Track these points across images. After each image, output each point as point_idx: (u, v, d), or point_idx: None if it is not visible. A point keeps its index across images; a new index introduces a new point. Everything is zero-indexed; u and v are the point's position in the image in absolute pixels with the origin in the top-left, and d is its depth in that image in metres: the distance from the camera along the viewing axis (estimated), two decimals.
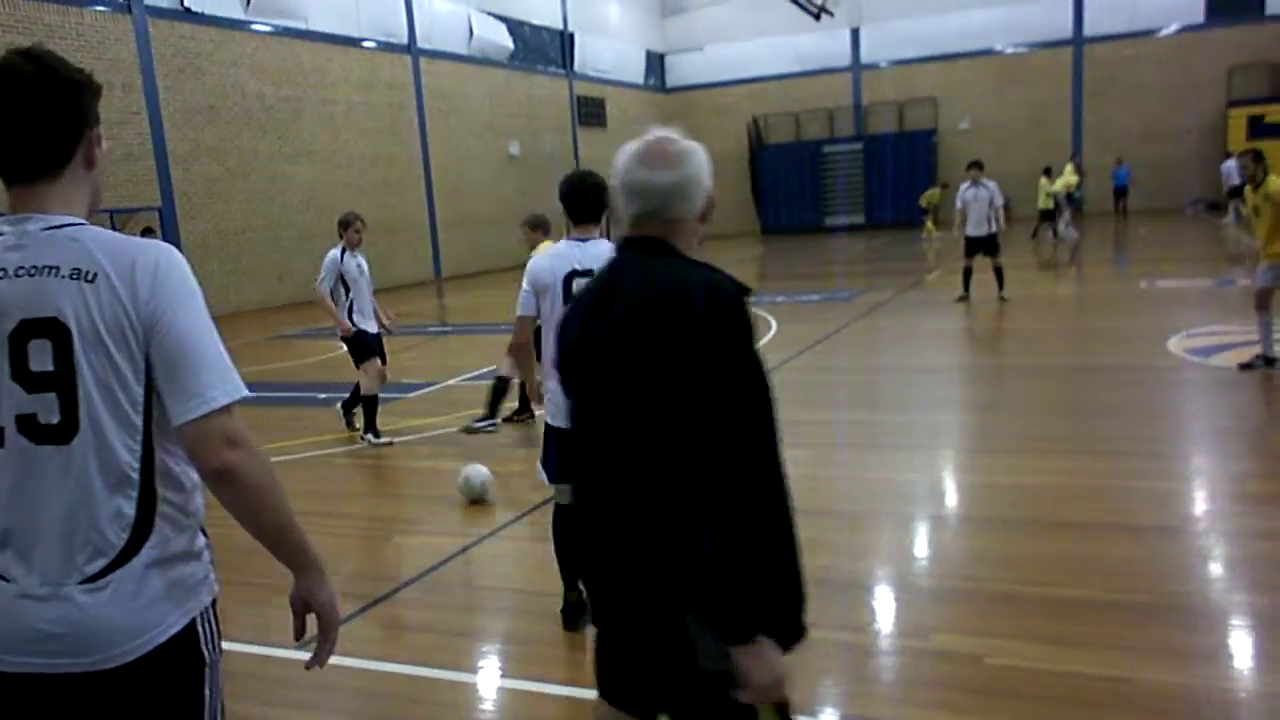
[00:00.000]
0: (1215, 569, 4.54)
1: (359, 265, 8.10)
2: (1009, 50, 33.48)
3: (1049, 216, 23.26)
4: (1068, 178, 23.78)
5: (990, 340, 11.76)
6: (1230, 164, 22.42)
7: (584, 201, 4.17)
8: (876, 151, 34.34)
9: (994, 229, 13.53)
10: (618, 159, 2.08)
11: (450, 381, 10.62)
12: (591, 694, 3.72)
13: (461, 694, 3.88)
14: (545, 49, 31.32)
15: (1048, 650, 3.76)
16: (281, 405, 10.20)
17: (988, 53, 33.66)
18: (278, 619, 4.33)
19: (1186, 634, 3.86)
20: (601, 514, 2.02)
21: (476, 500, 6.22)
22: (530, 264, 4.26)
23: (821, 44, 35.32)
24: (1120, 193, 28.84)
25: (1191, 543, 4.88)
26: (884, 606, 4.42)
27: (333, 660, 4.05)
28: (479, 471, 6.28)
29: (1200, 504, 5.51)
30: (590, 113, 33.04)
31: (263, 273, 20.66)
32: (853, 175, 34.60)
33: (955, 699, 3.49)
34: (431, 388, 10.35)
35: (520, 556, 5.44)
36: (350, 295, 8.06)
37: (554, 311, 4.05)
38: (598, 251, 4.09)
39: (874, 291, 16.30)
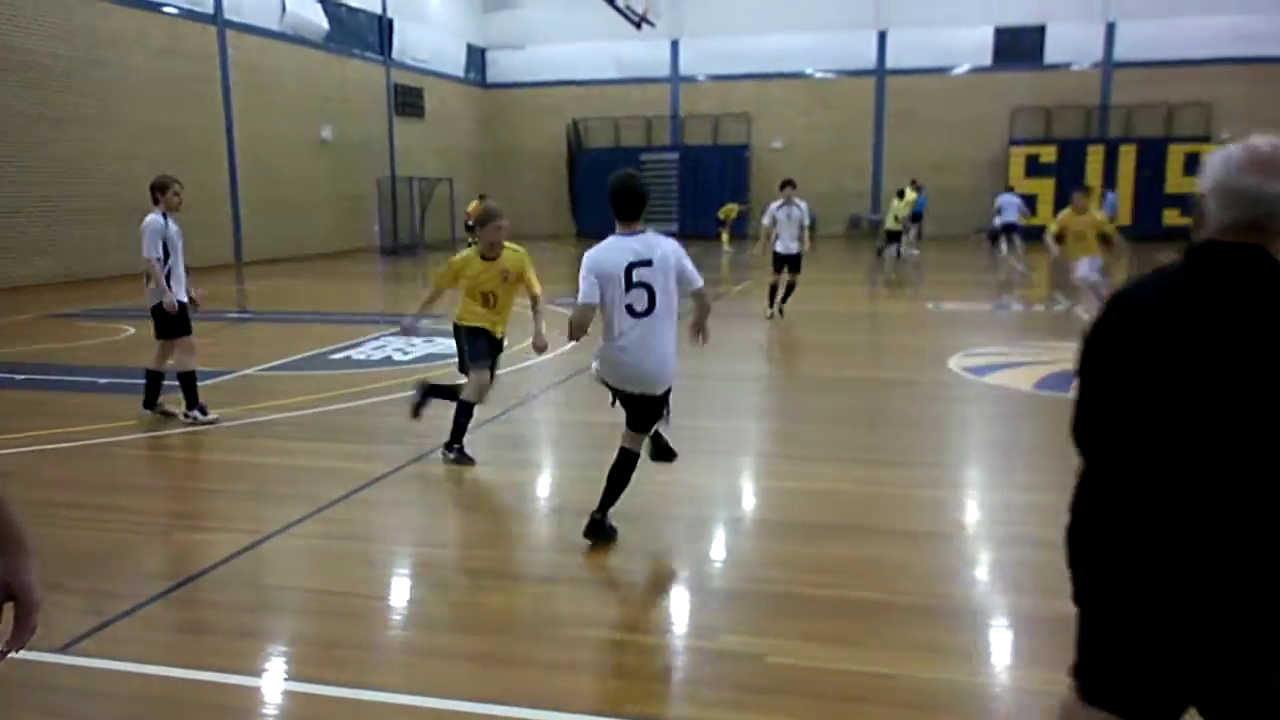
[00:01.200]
0: (981, 572, 4.91)
1: (178, 231, 7.69)
2: (818, 75, 35.02)
3: (895, 237, 24.24)
4: (909, 196, 25.07)
5: (790, 352, 12.26)
6: (1007, 198, 23.87)
7: (634, 202, 5.12)
8: (692, 162, 35.16)
9: (802, 248, 14.07)
10: (1214, 162, 2.05)
11: (248, 370, 10.16)
12: (378, 695, 3.66)
13: (241, 698, 3.73)
14: (362, 32, 30.41)
15: (825, 649, 3.96)
16: (59, 390, 9.48)
17: (799, 75, 35.10)
18: (41, 619, 4.02)
19: (951, 633, 4.15)
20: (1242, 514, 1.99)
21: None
22: (590, 256, 4.98)
23: (642, 52, 35.84)
24: (916, 218, 30.67)
25: (961, 547, 5.25)
26: (675, 608, 4.54)
27: (99, 664, 3.84)
28: None
29: (971, 511, 5.94)
30: (407, 102, 32.29)
31: (31, 246, 19.11)
32: (668, 184, 35.28)
33: (736, 697, 3.63)
34: (228, 376, 9.86)
35: (311, 554, 5.27)
36: (169, 263, 7.59)
37: (616, 296, 4.92)
38: (649, 241, 5.09)
39: (683, 300, 16.64)
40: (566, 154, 36.43)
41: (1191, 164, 31.01)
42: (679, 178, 35.13)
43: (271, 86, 25.83)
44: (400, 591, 4.80)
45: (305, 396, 8.05)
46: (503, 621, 4.34)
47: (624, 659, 3.96)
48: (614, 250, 4.99)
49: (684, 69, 36.10)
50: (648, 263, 4.99)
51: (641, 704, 3.62)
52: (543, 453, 7.44)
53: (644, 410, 5.15)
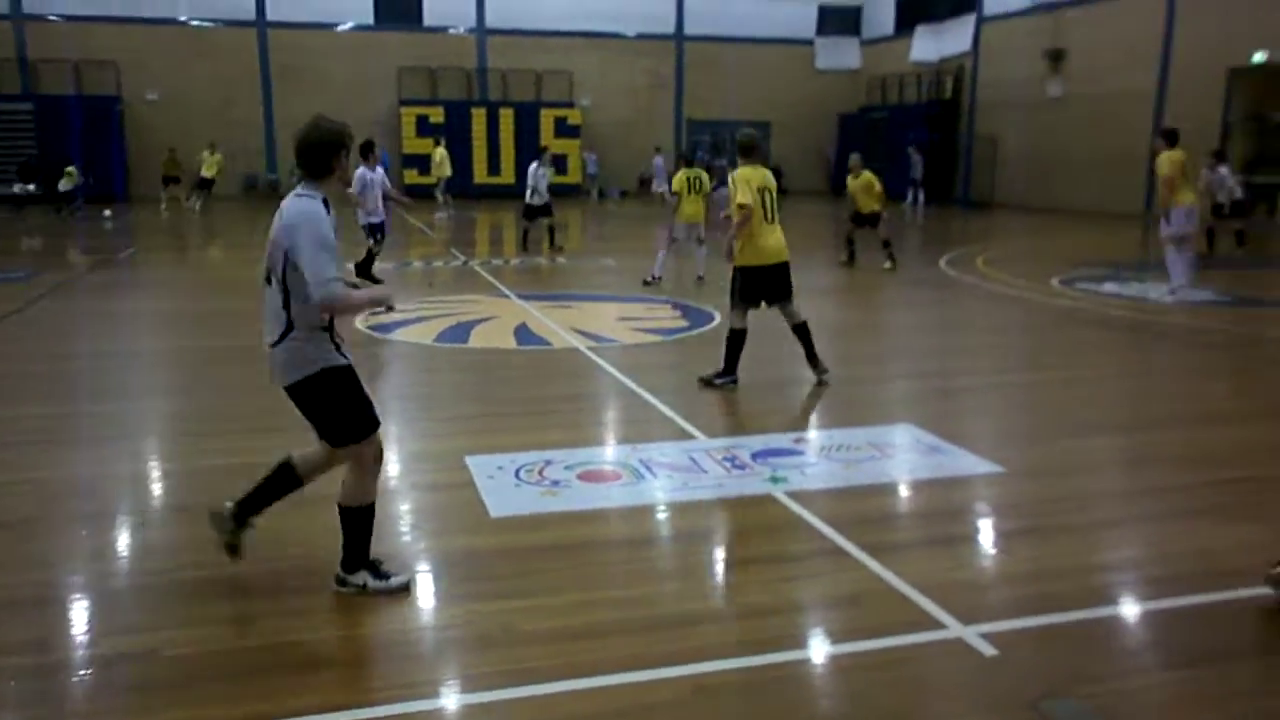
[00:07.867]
0: (409, 520, 5.01)
1: None
2: (194, 23, 32.62)
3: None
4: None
5: (177, 322, 11.41)
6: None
7: None
8: (51, 114, 30.70)
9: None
10: None
11: None
12: None
13: None
14: None
15: (222, 630, 3.82)
16: None
17: (172, 22, 32.35)
18: None
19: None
20: None
21: None
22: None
23: None
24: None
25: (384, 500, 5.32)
26: (60, 618, 4.04)
27: None
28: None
29: (395, 466, 6.05)
30: None
31: None
32: (23, 139, 30.51)
33: (135, 701, 3.35)
34: None
35: None
36: None
37: None
38: None
39: (54, 271, 14.74)
40: None
41: (561, 127, 34.37)
42: (36, 132, 30.57)
43: None
44: None
45: None
46: None
47: (16, 687, 3.46)
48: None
49: (29, 5, 31.32)
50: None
51: None
52: None
53: None
